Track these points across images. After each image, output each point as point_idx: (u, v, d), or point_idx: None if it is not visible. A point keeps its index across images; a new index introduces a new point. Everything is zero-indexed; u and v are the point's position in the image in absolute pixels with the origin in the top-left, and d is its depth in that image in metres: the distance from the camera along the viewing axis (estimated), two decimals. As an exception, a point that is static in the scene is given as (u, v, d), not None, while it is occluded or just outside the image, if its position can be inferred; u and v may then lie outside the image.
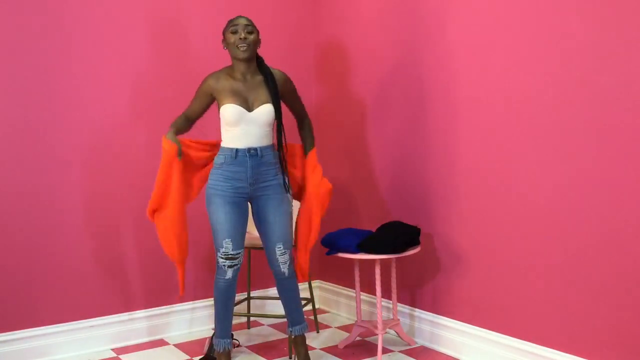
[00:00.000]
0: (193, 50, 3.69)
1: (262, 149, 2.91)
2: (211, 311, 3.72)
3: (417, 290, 3.43)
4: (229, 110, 2.85)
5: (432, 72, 3.24)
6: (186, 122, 3.03)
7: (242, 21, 2.88)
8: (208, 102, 2.98)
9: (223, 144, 2.95)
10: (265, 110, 2.89)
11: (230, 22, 2.90)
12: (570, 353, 2.64)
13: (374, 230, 3.29)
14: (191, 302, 3.73)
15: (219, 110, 2.92)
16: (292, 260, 3.01)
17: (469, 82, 3.03)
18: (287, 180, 2.99)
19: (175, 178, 2.89)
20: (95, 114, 3.40)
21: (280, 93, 2.96)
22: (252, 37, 2.87)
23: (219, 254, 2.91)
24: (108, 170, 3.44)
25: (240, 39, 2.83)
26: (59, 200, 3.31)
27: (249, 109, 2.89)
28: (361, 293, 3.72)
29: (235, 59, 2.91)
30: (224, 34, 2.92)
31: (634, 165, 2.38)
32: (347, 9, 3.82)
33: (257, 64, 2.97)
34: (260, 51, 3.05)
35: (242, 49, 2.84)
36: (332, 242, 3.16)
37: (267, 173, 2.93)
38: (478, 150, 3.01)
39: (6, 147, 3.17)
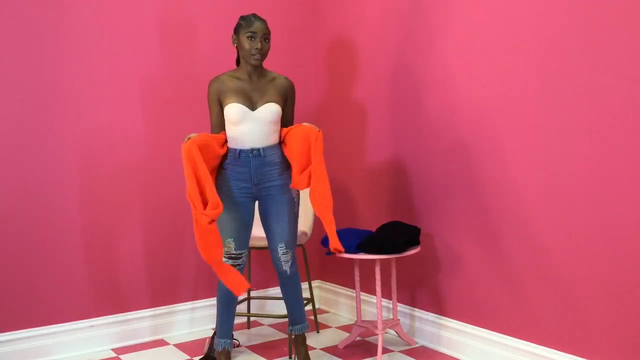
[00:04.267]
0: (200, 52, 3.69)
1: (266, 149, 2.91)
2: (211, 311, 3.72)
3: (417, 290, 3.43)
4: (233, 109, 2.85)
5: (432, 73, 3.24)
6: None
7: (260, 27, 2.85)
8: (221, 107, 2.94)
9: (228, 145, 2.94)
10: (269, 109, 2.89)
11: (247, 25, 2.85)
12: (570, 353, 2.64)
13: (374, 230, 3.29)
14: (191, 302, 3.73)
15: (222, 110, 2.92)
16: (295, 260, 3.01)
17: (469, 82, 3.03)
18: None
19: (202, 166, 2.72)
20: (96, 114, 3.40)
21: (283, 96, 2.97)
22: (267, 45, 2.88)
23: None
24: (110, 170, 3.44)
25: (257, 48, 2.83)
26: (60, 200, 3.31)
27: (253, 107, 2.89)
28: (361, 293, 3.72)
29: (245, 62, 2.91)
30: (237, 33, 2.89)
31: (632, 163, 2.38)
32: (347, 10, 3.82)
33: None
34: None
35: (255, 57, 2.86)
36: (332, 242, 3.17)
37: (271, 173, 2.93)
38: (478, 150, 3.01)
39: (7, 148, 3.17)
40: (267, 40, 2.87)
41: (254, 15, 2.89)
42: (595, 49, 2.48)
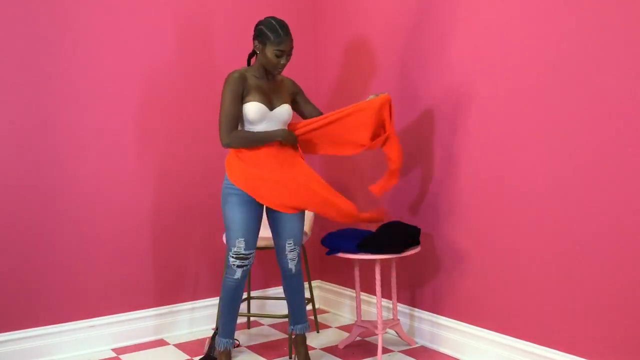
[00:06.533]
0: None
1: None
2: (211, 311, 3.73)
3: (417, 290, 3.43)
4: (254, 108, 2.85)
5: (433, 73, 3.24)
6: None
7: (289, 46, 2.83)
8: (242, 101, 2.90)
9: None
10: (284, 110, 2.94)
11: (277, 42, 2.80)
12: (570, 353, 2.64)
13: (374, 230, 3.29)
14: (191, 302, 3.73)
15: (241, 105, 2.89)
16: (300, 258, 3.03)
17: (469, 82, 3.04)
18: None
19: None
20: (98, 112, 3.40)
21: (292, 97, 3.04)
22: (290, 58, 2.89)
23: (230, 253, 2.90)
24: (112, 169, 3.44)
25: (282, 64, 2.86)
26: (60, 200, 3.31)
27: (271, 107, 2.91)
28: (361, 293, 3.72)
29: (264, 67, 2.91)
30: (264, 44, 2.83)
31: (634, 164, 2.38)
32: (347, 10, 3.82)
33: None
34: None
35: (278, 70, 2.89)
36: (332, 242, 3.16)
37: None
38: (478, 150, 3.01)
39: (8, 146, 3.17)
40: (291, 55, 2.88)
41: (282, 28, 2.82)
42: (596, 49, 2.48)
